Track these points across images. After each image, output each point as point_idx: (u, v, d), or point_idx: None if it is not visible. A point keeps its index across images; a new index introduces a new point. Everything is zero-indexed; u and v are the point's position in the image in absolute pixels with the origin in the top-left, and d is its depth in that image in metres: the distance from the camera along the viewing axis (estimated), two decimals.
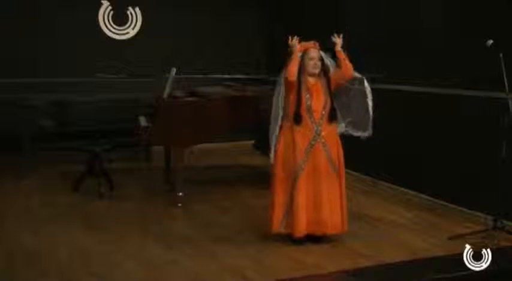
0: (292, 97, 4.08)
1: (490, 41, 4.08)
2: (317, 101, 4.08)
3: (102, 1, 7.66)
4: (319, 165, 4.05)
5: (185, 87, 5.84)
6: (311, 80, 4.12)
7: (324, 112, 4.09)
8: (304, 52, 4.11)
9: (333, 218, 4.08)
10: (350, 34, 6.49)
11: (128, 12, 7.81)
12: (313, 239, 4.13)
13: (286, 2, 8.15)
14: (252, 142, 7.45)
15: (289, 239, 4.10)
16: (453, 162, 5.09)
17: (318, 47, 4.16)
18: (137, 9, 7.84)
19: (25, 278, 3.56)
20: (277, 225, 4.11)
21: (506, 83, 4.03)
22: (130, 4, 7.80)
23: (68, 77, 7.41)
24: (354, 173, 6.30)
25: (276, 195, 4.11)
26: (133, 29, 7.85)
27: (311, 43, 4.17)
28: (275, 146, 4.14)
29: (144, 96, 6.58)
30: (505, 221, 4.20)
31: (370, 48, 6.17)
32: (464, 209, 4.94)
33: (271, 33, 8.51)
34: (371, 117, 4.23)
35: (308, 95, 4.06)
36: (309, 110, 4.05)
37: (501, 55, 4.04)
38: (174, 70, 5.37)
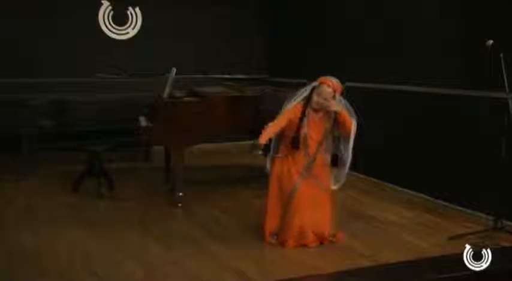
0: (294, 123, 4.03)
1: (490, 41, 4.08)
2: (313, 135, 4.04)
3: (102, 1, 7.66)
4: (312, 194, 4.06)
5: (185, 87, 5.85)
6: (313, 114, 4.05)
7: (319, 148, 4.05)
8: (318, 85, 4.01)
9: (321, 232, 4.11)
10: (351, 34, 6.54)
11: (128, 12, 7.81)
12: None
13: (286, 1, 8.15)
14: (252, 142, 7.44)
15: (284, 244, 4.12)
16: (453, 162, 5.09)
17: (336, 87, 3.99)
18: (137, 9, 7.84)
19: (25, 278, 3.56)
20: (269, 238, 4.15)
21: (506, 83, 4.03)
22: (130, 4, 7.80)
23: (68, 77, 7.41)
24: (354, 173, 6.30)
25: (269, 211, 4.14)
26: (133, 29, 7.85)
27: (331, 81, 4.00)
28: (272, 162, 4.18)
29: (144, 96, 6.58)
30: (505, 221, 4.21)
31: (371, 48, 6.18)
32: (464, 209, 4.95)
33: (271, 33, 8.52)
34: (345, 172, 4.13)
35: (307, 128, 4.02)
36: (305, 142, 4.03)
37: (501, 55, 4.04)
38: (174, 70, 5.37)
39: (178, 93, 5.48)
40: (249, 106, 5.30)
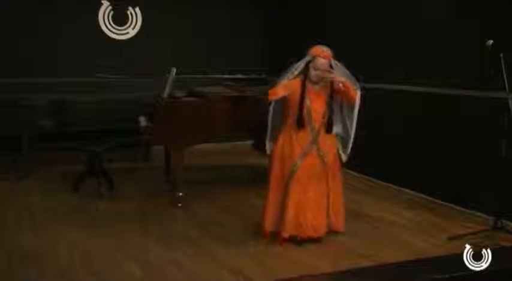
0: (294, 101, 4.06)
1: (490, 41, 4.08)
2: (317, 109, 4.07)
3: (102, 1, 7.66)
4: (312, 170, 4.05)
5: (185, 87, 5.84)
6: (314, 87, 4.08)
7: (323, 120, 4.09)
8: (313, 58, 4.03)
9: (317, 222, 4.08)
10: (351, 33, 6.54)
11: (128, 12, 7.81)
12: (311, 239, 4.13)
13: (286, 1, 8.14)
14: (252, 141, 7.45)
15: (279, 238, 4.11)
16: (453, 162, 5.09)
17: (329, 56, 4.04)
18: (137, 9, 7.84)
19: (25, 278, 3.56)
20: (270, 224, 4.14)
21: (506, 83, 4.03)
22: (130, 4, 7.79)
23: (68, 77, 7.40)
24: (354, 173, 6.31)
25: (271, 194, 4.14)
26: (133, 29, 7.85)
27: (323, 51, 4.04)
28: (273, 145, 4.18)
29: (144, 96, 6.58)
30: (505, 221, 4.21)
31: (370, 48, 6.18)
32: (464, 209, 4.95)
33: (271, 33, 8.51)
34: (350, 142, 4.19)
35: (309, 102, 4.05)
36: (309, 116, 4.05)
37: (501, 55, 4.04)
38: (174, 70, 5.36)
39: (178, 93, 5.48)
40: (249, 106, 5.30)
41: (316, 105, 4.06)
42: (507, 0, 4.59)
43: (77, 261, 3.84)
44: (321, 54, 4.01)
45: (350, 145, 4.20)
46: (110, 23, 7.72)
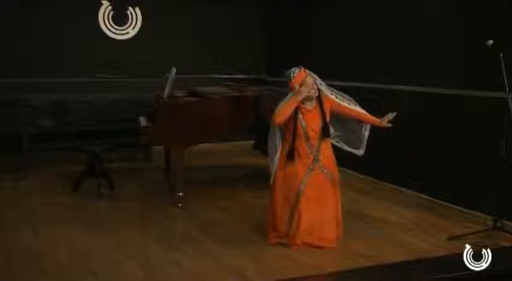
0: (290, 126, 4.07)
1: (490, 41, 4.08)
2: (313, 126, 4.08)
3: (102, 1, 7.66)
4: (320, 187, 4.06)
5: (185, 87, 5.85)
6: (307, 105, 4.10)
7: (320, 138, 4.10)
8: (298, 89, 4.04)
9: (331, 235, 4.10)
10: (350, 34, 6.54)
11: (128, 12, 7.81)
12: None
13: (286, 2, 8.15)
14: (252, 141, 7.45)
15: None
16: (453, 162, 5.09)
17: (306, 72, 4.09)
18: (137, 9, 7.84)
19: (25, 278, 3.56)
20: (275, 241, 4.13)
21: (506, 83, 4.03)
22: (130, 4, 7.80)
23: (68, 77, 7.41)
24: (354, 173, 6.31)
25: (275, 212, 4.12)
26: (133, 29, 7.85)
27: (299, 75, 4.05)
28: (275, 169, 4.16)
29: (144, 96, 6.58)
30: (505, 221, 4.21)
31: (371, 48, 6.19)
32: (464, 209, 4.95)
33: (271, 33, 8.52)
34: (366, 137, 4.27)
35: (304, 123, 4.06)
36: (306, 136, 4.06)
37: (501, 55, 4.04)
38: (174, 70, 5.36)
39: (178, 93, 5.48)
40: (249, 106, 5.30)
41: (312, 124, 4.08)
42: (507, 0, 4.59)
43: (77, 261, 3.83)
44: (301, 79, 4.04)
45: (365, 139, 4.30)
46: (110, 23, 7.72)
